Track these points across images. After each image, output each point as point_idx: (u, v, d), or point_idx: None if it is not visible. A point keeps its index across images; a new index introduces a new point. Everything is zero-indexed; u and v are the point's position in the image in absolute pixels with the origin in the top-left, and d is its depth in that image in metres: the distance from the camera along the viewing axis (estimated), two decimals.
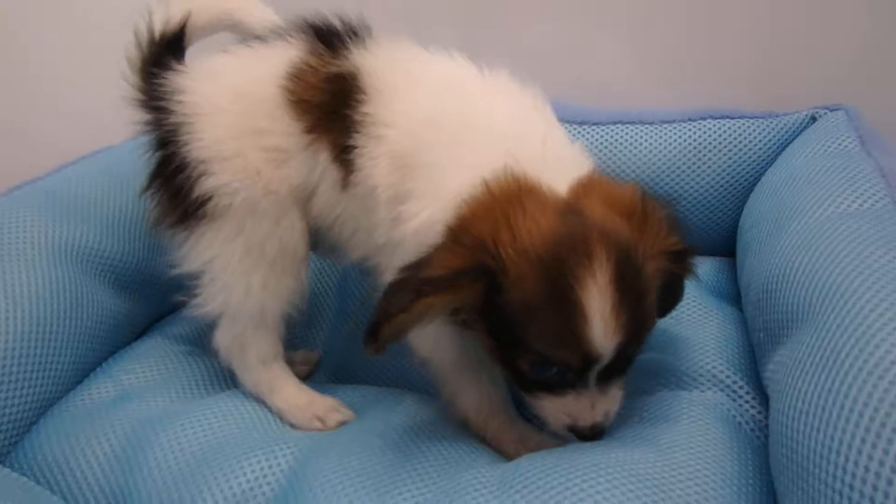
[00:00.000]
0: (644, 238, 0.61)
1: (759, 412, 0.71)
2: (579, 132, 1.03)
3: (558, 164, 0.65)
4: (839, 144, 0.83)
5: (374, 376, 0.91)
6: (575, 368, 0.60)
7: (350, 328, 0.98)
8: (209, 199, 0.74)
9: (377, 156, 0.69)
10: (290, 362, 0.85)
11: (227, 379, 0.85)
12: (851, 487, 0.45)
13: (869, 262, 0.60)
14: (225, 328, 0.79)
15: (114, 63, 0.82)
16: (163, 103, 0.75)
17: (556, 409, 0.64)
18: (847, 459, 0.47)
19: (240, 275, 0.76)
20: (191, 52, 0.83)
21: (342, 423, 0.76)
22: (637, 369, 0.76)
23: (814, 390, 0.53)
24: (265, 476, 0.67)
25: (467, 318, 0.62)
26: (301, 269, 0.78)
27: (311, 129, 0.73)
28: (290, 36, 0.76)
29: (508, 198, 0.60)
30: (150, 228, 0.81)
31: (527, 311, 0.58)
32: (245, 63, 0.77)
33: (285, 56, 0.75)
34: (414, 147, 0.67)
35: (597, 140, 1.02)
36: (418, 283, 0.57)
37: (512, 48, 1.27)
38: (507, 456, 0.69)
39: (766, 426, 0.68)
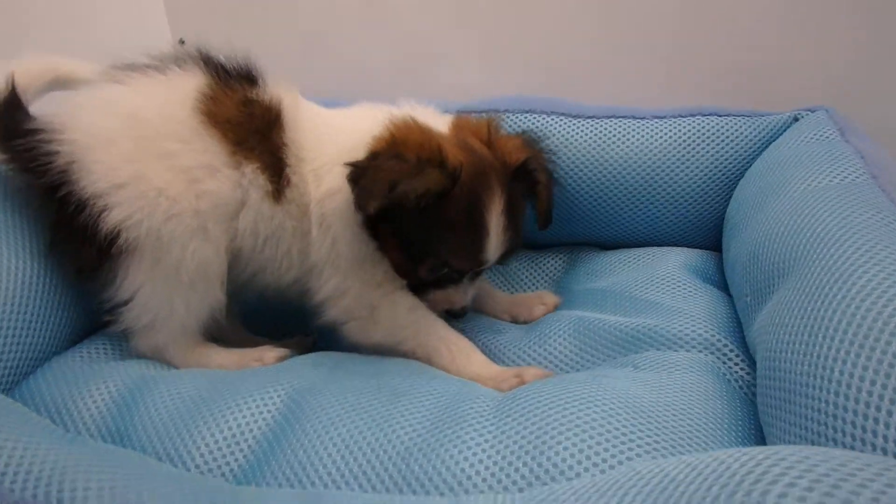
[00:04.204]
0: (499, 159, 0.81)
1: (748, 373, 0.73)
2: (573, 125, 1.08)
3: (427, 117, 0.84)
4: (820, 135, 0.88)
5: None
6: (468, 272, 0.82)
7: None
8: (118, 234, 0.74)
9: (305, 173, 0.81)
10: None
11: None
12: (837, 395, 0.48)
13: (851, 219, 0.64)
14: (143, 339, 0.81)
15: None
16: (43, 149, 0.74)
17: (440, 299, 0.84)
18: (833, 371, 0.50)
19: (163, 300, 0.78)
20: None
21: (281, 358, 0.82)
22: (628, 333, 0.80)
23: (800, 322, 0.57)
24: (260, 413, 0.68)
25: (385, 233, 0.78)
26: (218, 286, 0.81)
27: (237, 144, 0.78)
28: (180, 67, 0.80)
29: (416, 130, 0.79)
30: (74, 280, 0.82)
31: (450, 227, 0.76)
32: (141, 90, 0.78)
33: (190, 83, 0.79)
34: (323, 162, 0.81)
35: (590, 132, 1.06)
36: (428, 159, 0.74)
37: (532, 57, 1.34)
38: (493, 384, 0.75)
39: (754, 385, 0.71)
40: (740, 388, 0.71)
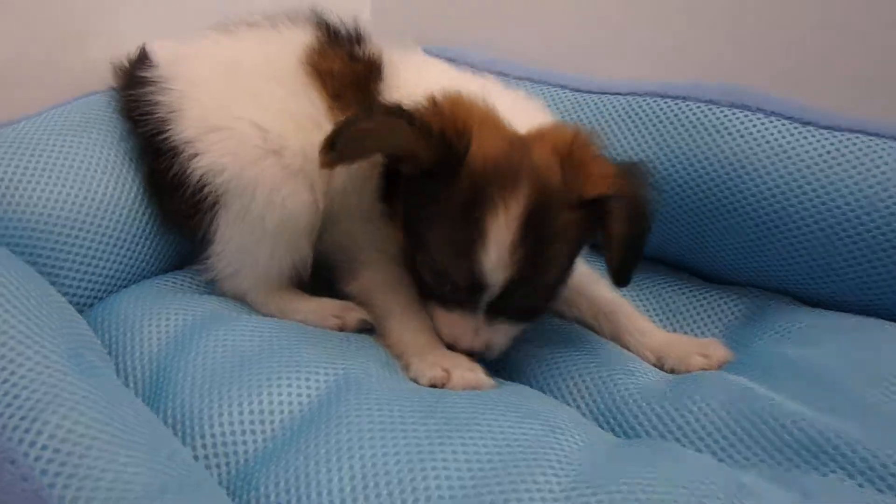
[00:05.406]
0: (567, 182, 0.63)
1: None
2: (797, 133, 0.82)
3: (518, 110, 0.71)
4: None
5: None
6: (463, 287, 0.64)
7: None
8: (206, 181, 0.72)
9: None
10: None
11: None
12: None
13: None
14: (227, 284, 0.78)
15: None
16: (149, 99, 0.76)
17: (444, 322, 0.68)
18: None
19: (247, 250, 0.75)
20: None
21: (362, 322, 0.74)
22: (813, 437, 0.55)
23: None
24: (298, 393, 0.59)
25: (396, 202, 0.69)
26: (305, 239, 0.76)
27: (334, 98, 0.76)
28: (290, 23, 0.80)
29: (476, 108, 0.66)
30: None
31: (443, 216, 0.63)
32: (249, 41, 0.80)
33: (300, 37, 0.79)
34: None
35: (823, 147, 0.80)
36: (394, 108, 0.61)
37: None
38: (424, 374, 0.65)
39: None
40: None
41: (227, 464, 0.52)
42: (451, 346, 0.68)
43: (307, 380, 0.59)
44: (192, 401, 0.57)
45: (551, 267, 0.65)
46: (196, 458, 0.52)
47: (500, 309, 0.66)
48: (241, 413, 0.55)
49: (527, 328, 0.71)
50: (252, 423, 0.55)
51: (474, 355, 0.67)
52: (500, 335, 0.68)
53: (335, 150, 0.61)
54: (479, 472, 0.46)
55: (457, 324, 0.67)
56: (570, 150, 0.65)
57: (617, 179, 0.65)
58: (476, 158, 0.62)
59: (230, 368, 0.60)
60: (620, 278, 0.69)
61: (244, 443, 0.53)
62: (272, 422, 0.55)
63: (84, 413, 0.43)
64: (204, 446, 0.53)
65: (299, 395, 0.57)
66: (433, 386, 0.62)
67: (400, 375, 0.63)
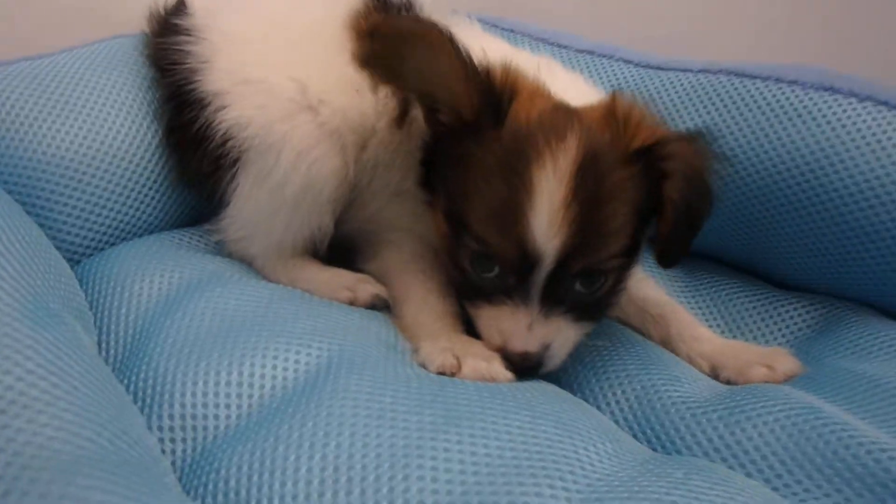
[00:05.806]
0: (615, 137, 0.57)
1: None
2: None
3: (572, 89, 0.65)
4: None
5: None
6: (512, 262, 0.55)
7: None
8: (231, 135, 0.68)
9: None
10: None
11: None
12: None
13: None
14: (236, 247, 0.73)
15: None
16: (180, 49, 0.71)
17: (491, 321, 0.58)
18: None
19: (264, 218, 0.70)
20: None
21: (374, 297, 0.67)
22: (890, 469, 0.45)
23: None
24: (284, 367, 0.53)
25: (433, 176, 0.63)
26: (327, 209, 0.70)
27: None
28: None
29: (526, 79, 0.60)
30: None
31: (484, 176, 0.56)
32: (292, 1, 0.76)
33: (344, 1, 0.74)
34: None
35: None
36: (452, 36, 0.54)
37: None
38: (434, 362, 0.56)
39: None
40: None
41: (194, 439, 0.46)
42: (502, 351, 0.58)
43: (297, 353, 0.52)
44: (168, 365, 0.51)
45: (609, 234, 0.56)
46: (161, 428, 0.47)
47: (557, 296, 0.56)
48: (216, 384, 0.49)
49: (589, 331, 0.61)
50: (228, 395, 0.48)
51: (529, 366, 0.57)
52: (560, 334, 0.57)
53: (376, 39, 0.55)
54: (472, 475, 0.38)
55: (506, 319, 0.57)
56: (615, 109, 0.58)
57: (669, 137, 0.57)
58: (519, 115, 0.57)
59: (215, 333, 0.54)
60: (666, 255, 0.60)
61: (215, 417, 0.47)
62: (250, 396, 0.49)
63: (19, 364, 0.38)
64: (171, 416, 0.48)
65: (285, 369, 0.51)
66: (441, 374, 0.54)
67: (405, 360, 0.56)
